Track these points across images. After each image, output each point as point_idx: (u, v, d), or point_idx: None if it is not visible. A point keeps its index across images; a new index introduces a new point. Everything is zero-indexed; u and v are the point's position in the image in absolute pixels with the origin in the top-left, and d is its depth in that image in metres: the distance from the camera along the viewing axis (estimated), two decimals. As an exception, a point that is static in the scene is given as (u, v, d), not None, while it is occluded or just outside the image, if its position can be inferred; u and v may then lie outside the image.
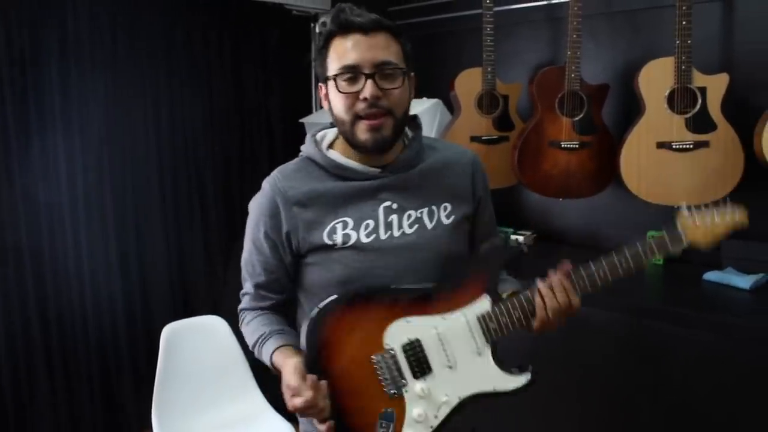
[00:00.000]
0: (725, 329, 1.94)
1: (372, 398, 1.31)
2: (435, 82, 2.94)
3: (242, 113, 3.32)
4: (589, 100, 2.45)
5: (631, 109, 2.41)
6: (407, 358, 1.32)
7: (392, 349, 1.33)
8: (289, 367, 1.31)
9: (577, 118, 2.45)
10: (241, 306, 1.57)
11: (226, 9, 3.17)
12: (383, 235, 1.39)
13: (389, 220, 1.40)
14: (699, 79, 2.20)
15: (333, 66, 1.35)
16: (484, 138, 2.69)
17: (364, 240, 1.38)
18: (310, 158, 1.45)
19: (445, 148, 1.54)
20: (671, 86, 2.22)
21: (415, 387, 1.31)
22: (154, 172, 3.01)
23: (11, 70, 2.55)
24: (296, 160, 1.49)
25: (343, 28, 1.35)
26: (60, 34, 2.67)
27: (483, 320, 1.34)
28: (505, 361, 1.35)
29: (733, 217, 1.35)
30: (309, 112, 3.43)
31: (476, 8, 2.68)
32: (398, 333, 1.33)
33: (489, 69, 2.64)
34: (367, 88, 1.31)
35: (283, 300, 1.51)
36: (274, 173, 1.46)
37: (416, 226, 1.41)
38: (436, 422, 1.31)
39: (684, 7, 2.14)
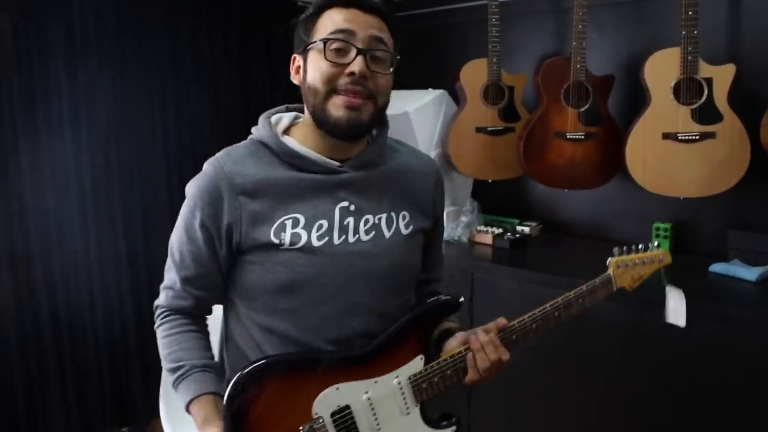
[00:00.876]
0: (731, 320, 1.93)
1: None
2: (440, 73, 2.94)
3: (249, 109, 3.32)
4: (594, 91, 2.44)
5: (637, 100, 2.41)
6: (336, 426, 1.24)
7: (321, 418, 1.24)
8: None
9: (582, 109, 2.45)
10: (158, 302, 1.40)
11: (231, 4, 3.17)
12: (337, 240, 1.27)
13: (345, 222, 1.28)
14: (705, 70, 2.19)
15: (323, 30, 1.23)
16: (489, 129, 2.69)
17: (316, 243, 1.25)
18: (262, 142, 1.31)
19: (409, 152, 1.44)
20: (677, 77, 2.21)
21: None
22: (161, 170, 3.03)
23: (19, 69, 2.56)
24: (245, 142, 1.34)
25: (342, 2, 1.24)
26: (67, 34, 2.67)
27: (415, 381, 1.28)
28: (432, 417, 1.33)
29: (658, 261, 1.51)
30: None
31: (482, -1, 2.68)
32: (328, 401, 1.24)
33: (494, 60, 2.64)
34: (357, 63, 1.20)
35: (208, 299, 1.37)
36: (220, 155, 1.30)
37: (373, 233, 1.30)
38: None
39: (690, -3, 2.13)
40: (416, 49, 3.32)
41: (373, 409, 1.26)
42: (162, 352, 1.36)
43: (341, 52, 1.22)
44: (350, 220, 1.28)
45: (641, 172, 2.30)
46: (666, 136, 2.25)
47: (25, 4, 2.54)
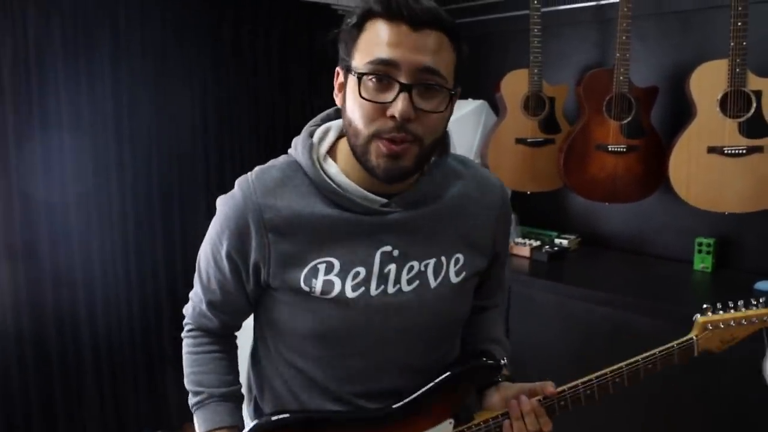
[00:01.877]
0: (777, 340, 1.88)
1: None
2: (481, 84, 2.92)
3: (288, 113, 3.34)
4: (637, 103, 2.40)
5: (681, 112, 2.36)
6: None
7: None
8: None
9: (625, 121, 2.41)
10: (186, 311, 1.33)
11: (274, 8, 3.20)
12: (374, 290, 1.11)
13: (386, 270, 1.12)
14: (754, 82, 2.14)
15: (361, 56, 1.03)
16: (529, 140, 2.66)
17: (350, 294, 1.10)
18: (301, 166, 1.14)
19: (473, 176, 1.24)
20: (724, 89, 2.16)
21: None
22: (201, 170, 3.05)
23: (66, 66, 2.62)
24: (282, 163, 1.16)
25: (389, 10, 1.01)
26: (112, 32, 2.73)
27: None
28: None
29: (762, 321, 1.27)
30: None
31: (523, 9, 2.66)
32: None
33: (536, 70, 2.62)
34: (400, 104, 0.99)
35: (234, 322, 1.30)
36: (252, 178, 1.14)
37: (416, 283, 1.14)
38: None
39: (740, 8, 2.08)
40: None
41: None
42: (185, 369, 1.31)
43: (381, 85, 1.01)
44: (392, 267, 1.13)
45: (685, 186, 2.26)
46: (711, 149, 2.20)
47: (74, 3, 2.60)
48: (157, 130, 2.90)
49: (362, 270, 1.11)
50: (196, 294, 1.27)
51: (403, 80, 1.00)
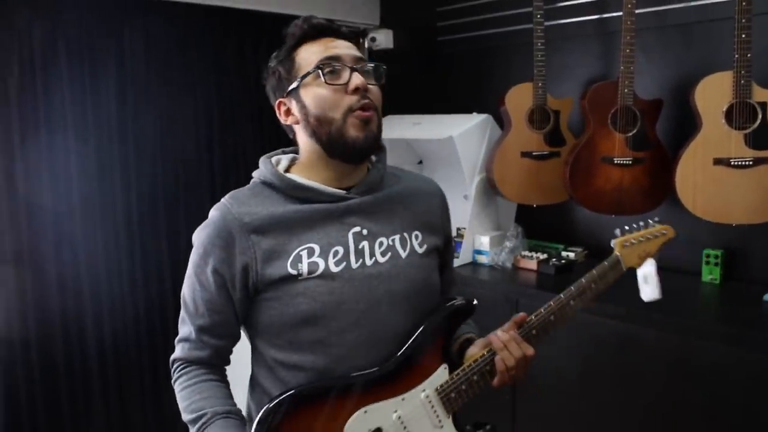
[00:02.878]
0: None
1: None
2: (485, 98, 2.94)
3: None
4: (642, 116, 2.40)
5: (686, 124, 2.36)
6: None
7: None
8: None
9: (630, 134, 2.41)
10: (175, 356, 1.38)
11: (277, 23, 3.22)
12: (354, 264, 1.27)
13: (360, 246, 1.28)
14: (759, 94, 2.14)
15: (307, 66, 1.26)
16: (534, 154, 2.66)
17: (334, 269, 1.25)
18: (266, 182, 1.32)
19: (411, 177, 1.47)
20: (729, 101, 2.16)
21: None
22: (205, 175, 3.06)
23: (70, 72, 2.64)
24: (248, 186, 1.35)
25: (316, 30, 1.29)
26: (117, 41, 2.75)
27: (442, 392, 1.28)
28: (466, 428, 1.34)
29: (663, 236, 1.50)
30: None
31: (527, 23, 2.67)
32: (357, 426, 1.22)
33: (540, 84, 2.62)
34: (356, 78, 1.24)
35: (225, 348, 1.35)
36: (225, 200, 1.31)
37: (389, 255, 1.30)
38: None
39: (743, 20, 2.09)
40: (460, 73, 3.33)
41: (405, 427, 1.25)
42: (181, 405, 1.32)
43: (335, 75, 1.25)
44: (365, 244, 1.29)
45: (692, 198, 2.25)
46: (718, 161, 2.20)
47: (80, 18, 2.63)
48: (162, 136, 2.91)
49: (340, 249, 1.27)
50: (184, 331, 1.35)
51: (349, 65, 1.25)
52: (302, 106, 1.28)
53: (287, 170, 1.35)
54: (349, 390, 1.23)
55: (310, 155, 1.31)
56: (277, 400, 1.20)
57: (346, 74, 1.24)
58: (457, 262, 2.75)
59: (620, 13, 2.37)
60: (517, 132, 2.67)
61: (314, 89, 1.26)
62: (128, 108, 2.81)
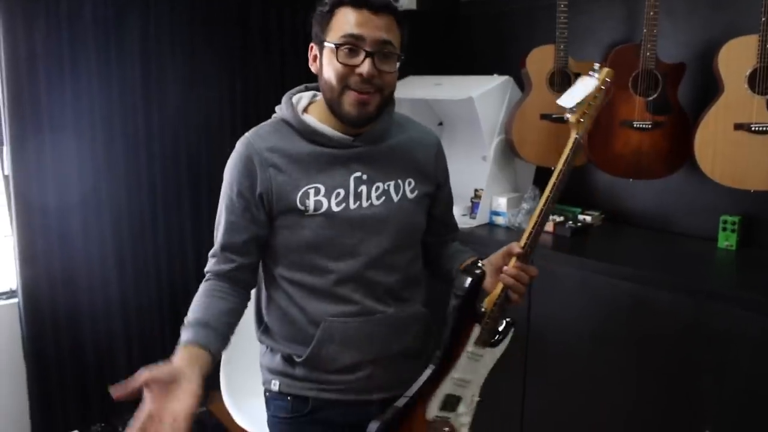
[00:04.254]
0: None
1: None
2: (506, 59, 2.93)
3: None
4: (664, 80, 2.39)
5: (709, 88, 2.35)
6: (444, 412, 1.49)
7: (434, 418, 1.49)
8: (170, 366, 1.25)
9: (651, 98, 2.41)
10: (206, 268, 1.53)
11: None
12: (352, 205, 1.46)
13: (359, 190, 1.47)
14: (783, 59, 2.12)
15: (335, 33, 1.38)
16: (554, 116, 2.66)
17: (335, 208, 1.45)
18: (285, 120, 1.50)
19: (413, 127, 1.63)
20: (753, 66, 2.15)
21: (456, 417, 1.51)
22: (228, 144, 3.07)
23: (98, 55, 2.67)
24: (270, 121, 1.54)
25: (356, 2, 1.37)
26: (142, 22, 2.78)
27: (477, 340, 1.47)
28: (493, 336, 1.51)
29: (599, 78, 1.51)
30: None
31: (551, -16, 2.65)
32: (434, 406, 1.48)
33: (562, 46, 2.61)
34: (366, 65, 1.36)
35: (247, 264, 1.50)
36: (249, 134, 1.50)
37: (383, 198, 1.50)
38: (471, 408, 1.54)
39: (770, -16, 2.06)
40: (482, 35, 3.31)
41: (458, 379, 1.49)
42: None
43: (352, 53, 1.37)
44: (363, 188, 1.47)
45: (710, 163, 2.25)
46: (738, 126, 2.20)
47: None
48: (185, 105, 2.95)
49: (341, 190, 1.46)
50: (213, 250, 1.51)
51: (368, 49, 1.36)
52: (321, 63, 1.43)
53: (306, 109, 1.52)
54: (416, 399, 1.47)
55: (324, 101, 1.46)
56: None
57: (361, 56, 1.36)
58: (473, 223, 2.78)
59: (645, -25, 2.35)
60: (537, 94, 2.67)
61: (330, 58, 1.39)
62: (152, 76, 2.84)
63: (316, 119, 1.48)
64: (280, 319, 1.55)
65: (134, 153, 2.84)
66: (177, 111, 2.92)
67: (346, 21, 1.37)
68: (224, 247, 1.49)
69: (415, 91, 2.94)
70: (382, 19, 1.37)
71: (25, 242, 2.60)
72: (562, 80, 2.65)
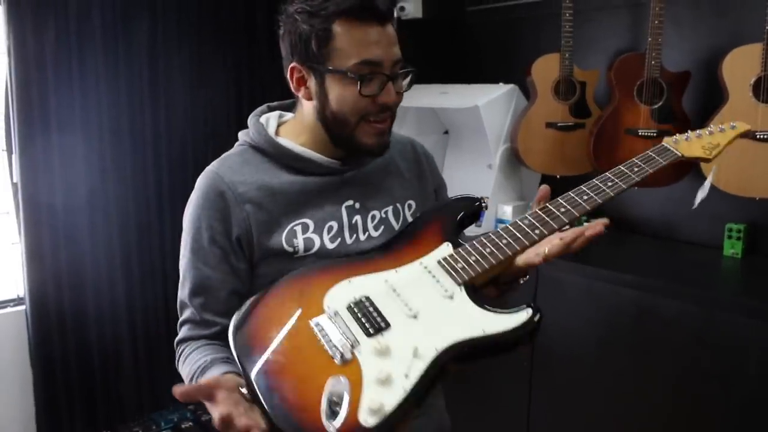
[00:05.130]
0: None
1: (318, 371, 0.97)
2: (511, 68, 2.93)
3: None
4: (669, 88, 2.40)
5: (713, 97, 2.35)
6: (354, 316, 1.04)
7: (335, 312, 1.05)
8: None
9: (656, 106, 2.41)
10: (178, 338, 1.27)
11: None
12: (349, 239, 1.22)
13: (353, 221, 1.24)
14: (788, 67, 2.13)
15: (344, 58, 1.13)
16: (559, 124, 2.67)
17: (329, 245, 1.20)
18: (256, 147, 1.24)
19: (395, 141, 1.34)
20: (758, 74, 2.15)
21: (367, 345, 1.00)
22: (233, 137, 3.10)
23: (106, 60, 2.69)
24: (236, 150, 1.27)
25: (359, 14, 1.12)
26: (150, 27, 2.80)
27: (446, 262, 1.12)
28: (492, 303, 1.08)
29: (731, 129, 1.32)
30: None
31: (556, -7, 2.66)
32: (340, 294, 1.08)
33: (567, 55, 2.62)
34: (389, 94, 1.15)
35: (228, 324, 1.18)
36: (214, 167, 1.23)
37: (382, 228, 1.26)
38: (409, 382, 0.95)
39: (774, -8, 2.07)
40: (488, 43, 3.32)
41: (398, 295, 1.09)
42: (184, 372, 1.21)
43: (371, 84, 1.14)
44: (357, 218, 1.24)
45: (716, 172, 2.26)
46: (743, 134, 2.19)
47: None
48: (192, 96, 2.95)
49: (334, 224, 1.22)
50: (186, 315, 1.25)
51: (387, 73, 1.14)
52: (323, 94, 1.17)
53: (276, 132, 1.28)
54: (331, 267, 1.15)
55: (311, 125, 1.23)
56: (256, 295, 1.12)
57: (378, 84, 1.14)
58: (479, 231, 2.77)
59: (650, -16, 2.36)
60: (542, 102, 2.68)
61: (342, 88, 1.15)
62: (159, 80, 2.85)
63: (293, 142, 1.24)
64: None
65: (141, 157, 2.86)
66: (184, 114, 2.94)
67: (356, 41, 1.12)
68: (203, 308, 1.21)
69: (420, 100, 2.96)
70: (390, 31, 1.16)
71: (33, 250, 2.61)
72: (567, 88, 2.66)
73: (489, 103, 2.75)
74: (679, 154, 1.27)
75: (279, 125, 1.29)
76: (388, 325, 1.03)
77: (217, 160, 1.26)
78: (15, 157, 2.57)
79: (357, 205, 1.25)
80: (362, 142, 1.18)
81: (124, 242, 2.85)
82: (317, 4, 1.13)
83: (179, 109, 2.92)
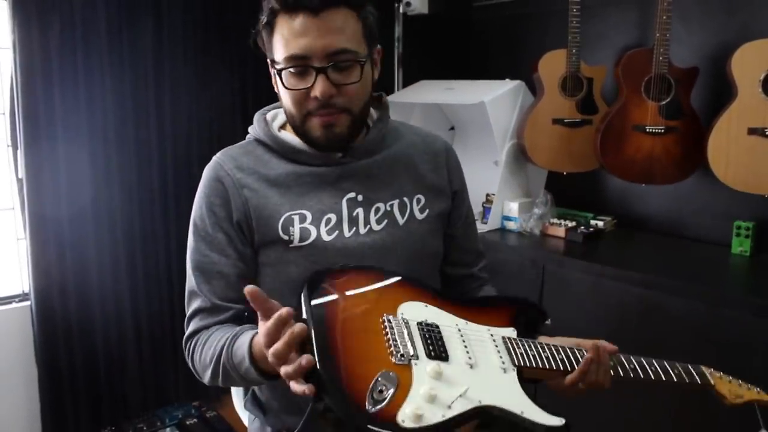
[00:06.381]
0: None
1: (375, 360, 1.01)
2: (518, 64, 2.92)
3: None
4: (677, 84, 2.38)
5: (722, 93, 2.34)
6: (422, 334, 1.08)
7: (407, 320, 1.08)
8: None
9: (663, 102, 2.39)
10: (189, 332, 1.24)
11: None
12: (347, 232, 1.21)
13: (354, 214, 1.23)
14: (797, 63, 2.11)
15: (278, 52, 1.15)
16: (566, 121, 2.66)
17: (326, 237, 1.20)
18: (259, 140, 1.28)
19: (414, 132, 1.38)
20: (767, 69, 2.13)
21: (426, 364, 1.03)
22: (240, 138, 3.10)
23: (111, 60, 2.69)
24: (242, 143, 1.31)
25: (286, 4, 1.11)
26: (155, 28, 2.79)
27: (510, 342, 1.15)
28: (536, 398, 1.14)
29: (758, 393, 1.36)
30: (392, 90, 3.46)
31: (563, -12, 2.64)
32: (415, 311, 1.12)
33: (574, 51, 2.60)
34: (318, 86, 1.12)
35: (243, 312, 1.21)
36: (217, 157, 1.27)
37: (385, 222, 1.25)
38: (450, 413, 0.98)
39: (784, -12, 2.05)
40: (494, 39, 3.31)
41: (464, 342, 1.13)
42: (206, 363, 1.18)
43: (300, 73, 1.14)
44: (359, 210, 1.23)
45: (724, 168, 2.24)
46: (752, 131, 2.18)
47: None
48: (197, 100, 2.95)
49: (333, 216, 1.21)
50: (195, 303, 1.24)
51: (317, 65, 1.12)
52: (276, 84, 1.22)
53: (284, 126, 1.30)
54: (410, 285, 1.17)
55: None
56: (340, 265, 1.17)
57: (311, 76, 1.13)
58: (485, 228, 2.77)
59: (658, -21, 2.34)
60: (549, 99, 2.66)
61: (279, 83, 1.18)
62: (165, 82, 2.84)
63: (295, 135, 1.25)
64: (270, 387, 1.31)
65: (146, 157, 2.85)
66: (189, 117, 2.93)
67: (286, 35, 1.12)
68: (214, 294, 1.21)
69: (426, 96, 2.94)
70: (328, 20, 1.11)
71: (38, 245, 2.61)
72: (574, 85, 2.64)
73: (495, 99, 2.73)
74: (712, 384, 1.32)
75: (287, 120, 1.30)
76: (448, 358, 1.06)
77: (221, 151, 1.29)
78: (20, 153, 2.56)
79: (360, 198, 1.24)
80: (312, 135, 1.19)
81: (128, 238, 2.84)
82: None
83: (184, 107, 2.91)
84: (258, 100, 3.12)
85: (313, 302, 1.06)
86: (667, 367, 1.26)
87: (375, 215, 1.25)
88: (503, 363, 1.12)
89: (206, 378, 1.20)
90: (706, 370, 1.31)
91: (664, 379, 1.24)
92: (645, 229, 2.77)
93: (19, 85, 2.50)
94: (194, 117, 2.95)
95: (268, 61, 1.22)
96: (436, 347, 1.06)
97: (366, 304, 1.10)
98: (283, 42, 1.13)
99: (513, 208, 2.77)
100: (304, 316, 1.05)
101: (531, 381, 1.17)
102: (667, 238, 2.66)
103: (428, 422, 0.94)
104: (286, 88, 1.16)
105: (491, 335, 1.16)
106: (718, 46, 2.44)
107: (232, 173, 1.22)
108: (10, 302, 2.75)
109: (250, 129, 1.31)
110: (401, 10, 3.28)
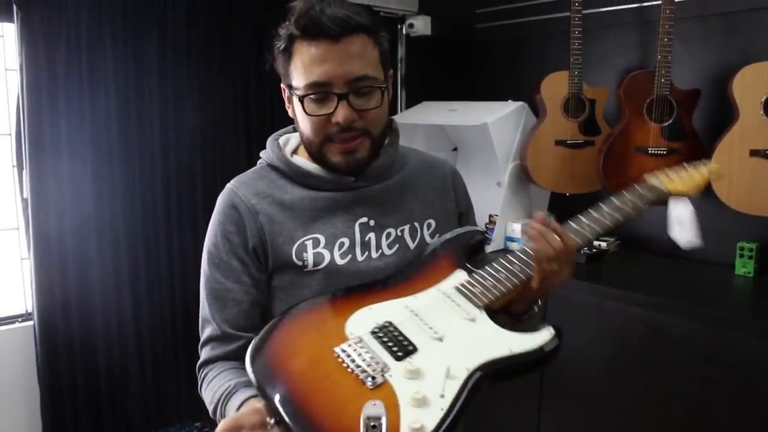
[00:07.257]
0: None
1: (352, 400, 0.96)
2: (520, 85, 2.94)
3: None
4: (678, 106, 2.39)
5: (723, 115, 2.34)
6: (380, 341, 1.05)
7: (359, 338, 1.06)
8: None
9: (665, 124, 2.40)
10: (201, 360, 1.25)
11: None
12: (360, 256, 1.22)
13: (366, 238, 1.23)
14: (799, 86, 2.12)
15: (298, 78, 1.16)
16: (569, 142, 2.66)
17: (339, 261, 1.21)
18: (272, 165, 1.28)
19: (419, 157, 1.39)
20: (768, 92, 2.15)
21: (399, 369, 1.00)
22: (242, 159, 3.10)
23: (117, 78, 2.71)
24: (255, 168, 1.31)
25: (307, 31, 1.12)
26: (160, 46, 2.82)
27: (464, 288, 1.15)
28: (513, 324, 1.15)
29: (707, 169, 1.37)
30: (395, 111, 3.49)
31: (564, 11, 2.66)
32: (362, 321, 1.09)
33: (576, 72, 2.62)
34: (340, 112, 1.14)
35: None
36: (231, 184, 1.27)
37: (396, 246, 1.25)
38: (445, 402, 0.96)
39: (784, 11, 2.07)
40: (497, 61, 3.33)
41: (420, 318, 1.11)
42: (208, 403, 1.19)
43: (320, 104, 1.15)
44: (371, 235, 1.24)
45: (726, 190, 2.24)
46: (754, 153, 2.19)
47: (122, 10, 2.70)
48: (202, 116, 2.96)
49: (346, 240, 1.22)
50: (209, 331, 1.25)
51: (338, 91, 1.13)
52: (293, 111, 1.23)
53: (296, 150, 1.31)
54: (347, 296, 1.16)
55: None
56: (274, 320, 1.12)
57: (333, 102, 1.14)
58: (488, 248, 2.77)
59: (659, 2, 2.35)
60: (551, 120, 2.67)
61: (299, 108, 1.18)
62: (169, 99, 2.86)
63: (308, 161, 1.26)
64: None
65: (150, 173, 2.86)
66: (193, 133, 2.95)
67: (306, 62, 1.13)
68: (226, 322, 1.21)
69: (429, 117, 2.96)
70: (348, 46, 1.12)
71: (42, 265, 2.61)
72: (576, 106, 2.65)
73: (498, 120, 2.75)
74: (667, 191, 1.35)
75: (301, 144, 1.30)
76: (415, 348, 1.05)
77: (235, 178, 1.29)
78: (25, 173, 2.58)
79: (372, 222, 1.25)
80: (331, 161, 1.21)
81: (132, 257, 2.84)
82: (285, 24, 1.16)
83: (188, 129, 2.93)
84: (260, 114, 3.14)
85: (265, 387, 1.00)
86: (617, 203, 1.30)
87: (386, 240, 1.26)
88: (467, 314, 1.11)
89: (210, 414, 1.21)
90: (654, 180, 1.35)
91: (621, 218, 1.28)
92: (648, 250, 2.77)
93: (25, 105, 2.52)
94: (197, 133, 2.96)
95: (283, 86, 1.23)
96: (400, 345, 1.05)
97: (312, 349, 1.06)
98: (303, 69, 1.14)
99: (516, 228, 2.77)
100: (262, 400, 1.00)
101: (505, 308, 1.18)
102: (671, 260, 2.65)
103: (432, 425, 0.92)
104: (306, 114, 1.16)
105: (443, 293, 1.16)
106: (720, 68, 2.46)
107: (247, 199, 1.23)
108: (13, 322, 2.75)
109: (262, 154, 1.32)
110: (404, 32, 3.31)
